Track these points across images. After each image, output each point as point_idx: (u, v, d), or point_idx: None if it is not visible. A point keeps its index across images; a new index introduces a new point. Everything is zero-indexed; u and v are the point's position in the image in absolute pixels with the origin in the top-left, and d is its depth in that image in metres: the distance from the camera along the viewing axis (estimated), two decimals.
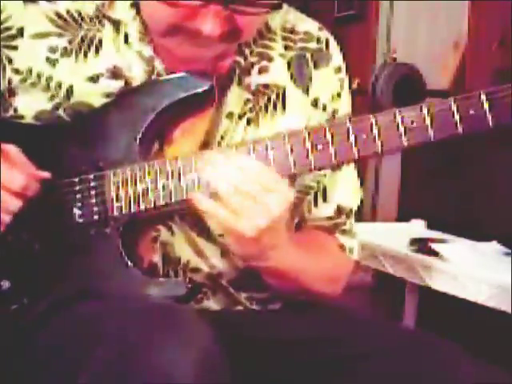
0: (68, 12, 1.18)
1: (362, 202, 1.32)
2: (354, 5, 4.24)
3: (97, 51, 1.17)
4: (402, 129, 1.03)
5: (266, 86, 1.20)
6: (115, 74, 1.16)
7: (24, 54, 1.17)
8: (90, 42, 1.17)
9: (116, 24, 1.18)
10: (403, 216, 3.15)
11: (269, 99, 1.20)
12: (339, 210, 1.26)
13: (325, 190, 1.25)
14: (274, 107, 1.20)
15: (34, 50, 1.17)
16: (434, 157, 3.06)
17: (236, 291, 1.22)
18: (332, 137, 1.05)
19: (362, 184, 1.32)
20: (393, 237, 2.62)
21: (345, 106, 1.26)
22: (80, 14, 1.18)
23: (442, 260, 2.31)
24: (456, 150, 2.98)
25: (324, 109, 1.23)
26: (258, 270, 1.15)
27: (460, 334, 1.76)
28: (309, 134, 1.06)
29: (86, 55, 1.17)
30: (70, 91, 1.16)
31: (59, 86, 1.16)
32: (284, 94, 1.21)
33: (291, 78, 1.22)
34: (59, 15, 1.18)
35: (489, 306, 2.10)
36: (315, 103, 1.23)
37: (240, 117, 1.19)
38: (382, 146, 1.04)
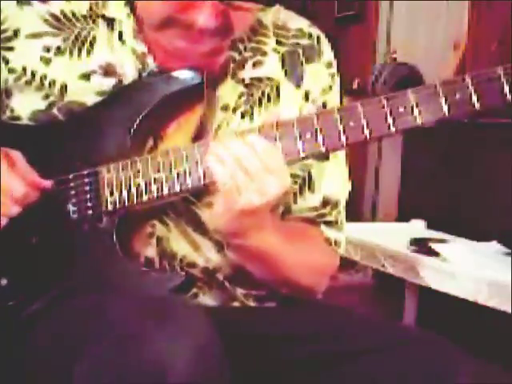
0: (62, 12, 1.20)
1: (352, 198, 1.32)
2: (354, 5, 4.25)
3: (90, 49, 1.19)
4: (389, 114, 1.04)
5: (260, 80, 1.22)
6: (107, 71, 1.18)
7: (19, 54, 1.18)
8: (84, 40, 1.19)
9: (110, 22, 1.19)
10: (403, 216, 3.16)
11: (262, 92, 1.22)
12: (325, 201, 1.27)
13: (311, 179, 1.26)
14: (268, 100, 1.22)
15: (28, 49, 1.18)
16: (434, 157, 3.06)
17: (232, 287, 1.23)
18: (320, 124, 1.06)
19: (351, 176, 1.32)
20: (393, 237, 2.63)
21: (334, 99, 1.28)
22: (74, 13, 1.20)
23: (442, 260, 2.31)
24: (456, 150, 2.99)
25: (314, 102, 1.25)
26: (237, 249, 1.16)
27: (460, 334, 1.76)
28: (297, 122, 1.07)
29: (79, 53, 1.18)
30: (63, 89, 1.17)
31: (53, 83, 1.17)
32: (277, 88, 1.23)
33: (284, 72, 1.24)
34: (53, 15, 1.19)
35: (489, 306, 2.11)
36: (306, 96, 1.25)
37: (234, 109, 1.21)
38: (370, 132, 1.04)
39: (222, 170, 1.05)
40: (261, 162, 1.04)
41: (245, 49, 1.22)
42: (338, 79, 1.28)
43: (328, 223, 1.27)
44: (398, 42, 4.00)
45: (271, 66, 1.23)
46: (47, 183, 1.13)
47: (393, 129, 1.04)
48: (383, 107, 1.04)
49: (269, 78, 1.23)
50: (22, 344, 1.07)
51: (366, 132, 1.05)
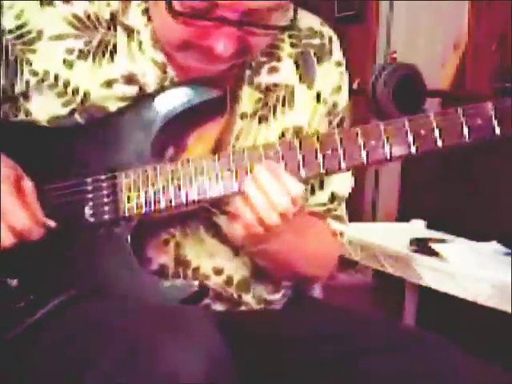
0: (86, 14, 1.19)
1: (352, 198, 1.35)
2: (354, 5, 4.24)
3: (111, 56, 1.18)
4: (410, 136, 1.05)
5: (276, 85, 1.23)
6: (130, 79, 1.18)
7: (42, 56, 1.17)
8: (105, 47, 1.18)
9: (129, 30, 1.19)
10: (403, 216, 3.15)
11: (277, 97, 1.22)
12: (333, 197, 1.29)
13: (322, 178, 1.28)
14: (283, 105, 1.23)
15: (51, 51, 1.18)
16: (434, 157, 3.06)
17: (244, 293, 1.23)
18: (341, 143, 1.06)
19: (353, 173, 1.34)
20: (393, 237, 2.62)
21: (344, 99, 1.29)
22: (97, 17, 1.19)
23: (442, 260, 2.31)
24: (456, 150, 2.98)
25: (325, 102, 1.26)
26: (253, 254, 1.17)
27: (460, 334, 1.76)
28: (318, 139, 1.07)
29: (101, 60, 1.18)
30: (86, 96, 1.17)
31: (76, 91, 1.17)
32: (292, 92, 1.23)
33: (298, 75, 1.24)
34: (77, 17, 1.18)
35: (489, 306, 2.11)
36: (318, 97, 1.26)
37: (252, 116, 1.21)
38: (390, 153, 1.05)
39: (249, 211, 1.06)
40: (291, 205, 1.07)
41: (260, 54, 1.21)
42: (346, 78, 1.29)
43: (334, 216, 1.30)
44: (398, 42, 3.99)
45: (286, 71, 1.23)
46: (52, 223, 1.12)
47: (413, 150, 1.05)
48: (405, 129, 1.05)
49: (284, 83, 1.23)
50: (31, 346, 1.06)
51: (387, 153, 1.05)
